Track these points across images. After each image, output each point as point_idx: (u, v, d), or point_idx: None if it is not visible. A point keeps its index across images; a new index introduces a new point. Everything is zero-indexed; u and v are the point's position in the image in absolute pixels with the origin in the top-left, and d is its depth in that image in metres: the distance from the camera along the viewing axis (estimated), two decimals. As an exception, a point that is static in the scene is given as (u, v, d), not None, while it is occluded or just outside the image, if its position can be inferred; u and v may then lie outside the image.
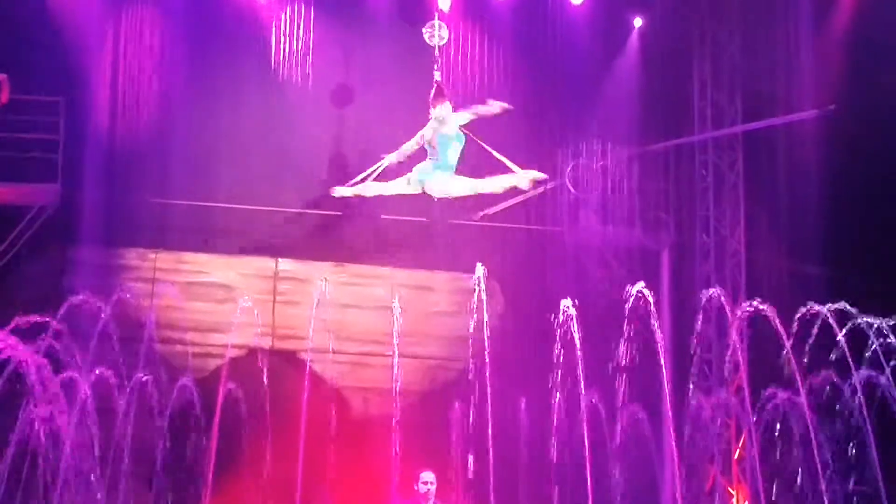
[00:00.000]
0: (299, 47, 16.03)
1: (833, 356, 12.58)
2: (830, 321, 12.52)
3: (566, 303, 13.28)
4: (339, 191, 13.12)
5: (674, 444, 14.86)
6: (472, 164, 13.18)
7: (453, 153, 12.84)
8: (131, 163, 15.78)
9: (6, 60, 14.39)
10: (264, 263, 16.53)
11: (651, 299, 13.27)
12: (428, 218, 16.40)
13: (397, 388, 14.81)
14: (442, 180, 12.82)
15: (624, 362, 14.76)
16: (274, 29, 16.05)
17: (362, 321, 16.40)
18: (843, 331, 12.47)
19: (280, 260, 16.58)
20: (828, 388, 12.77)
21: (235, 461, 13.70)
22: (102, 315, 12.82)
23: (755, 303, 13.12)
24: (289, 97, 16.20)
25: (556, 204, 16.87)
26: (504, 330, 16.53)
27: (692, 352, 16.62)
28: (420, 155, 12.91)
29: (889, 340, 12.43)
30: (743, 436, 16.12)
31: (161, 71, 15.86)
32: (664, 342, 16.56)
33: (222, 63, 16.08)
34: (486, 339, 14.10)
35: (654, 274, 17.06)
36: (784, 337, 12.65)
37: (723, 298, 14.38)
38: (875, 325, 12.44)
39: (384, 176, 13.16)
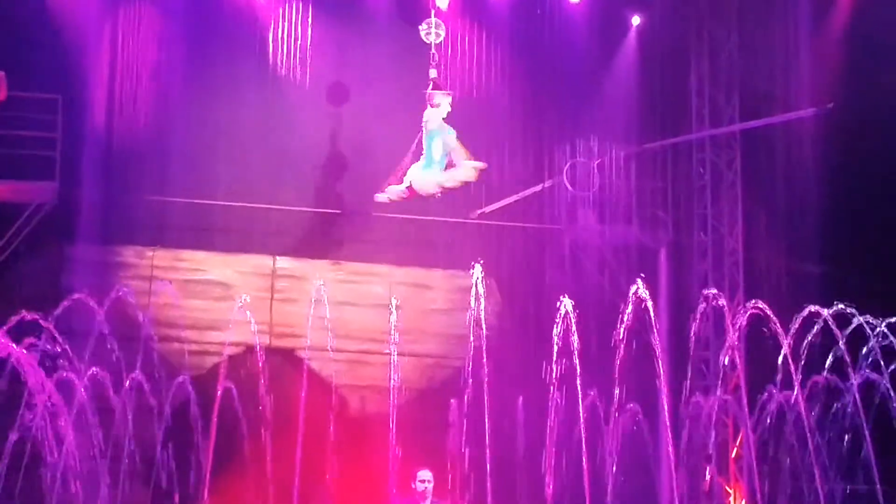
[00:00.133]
0: (297, 46, 16.01)
1: (833, 357, 12.61)
2: (830, 324, 12.53)
3: (565, 302, 13.30)
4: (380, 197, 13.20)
5: (670, 442, 14.90)
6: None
7: (436, 149, 12.86)
8: (129, 161, 15.77)
9: (4, 58, 14.37)
10: (262, 261, 16.53)
11: (649, 302, 13.29)
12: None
13: (395, 386, 14.84)
14: (421, 177, 12.88)
15: (621, 360, 14.75)
16: (272, 27, 16.03)
17: (360, 319, 16.39)
18: (845, 333, 12.49)
19: (278, 258, 16.57)
20: (825, 388, 12.80)
21: (233, 459, 13.69)
22: (100, 314, 12.80)
23: (754, 303, 13.16)
24: (287, 95, 16.20)
25: (553, 202, 16.87)
26: (501, 328, 16.55)
27: (690, 351, 16.65)
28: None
29: (887, 342, 12.45)
30: (740, 434, 16.13)
31: (159, 69, 15.86)
32: (661, 341, 16.62)
33: (220, 61, 16.08)
34: (483, 337, 14.13)
35: (652, 272, 17.05)
36: (782, 336, 12.68)
37: (721, 300, 14.41)
38: (878, 329, 12.45)
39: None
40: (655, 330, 13.88)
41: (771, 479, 13.81)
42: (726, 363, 15.15)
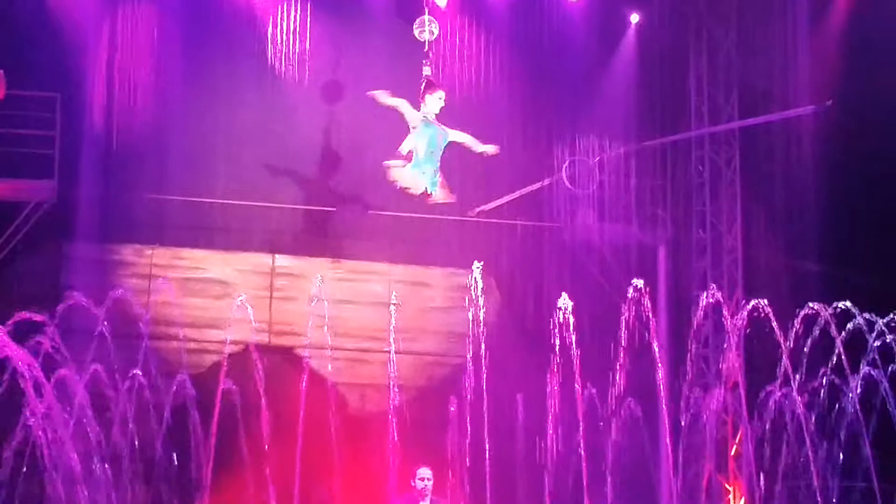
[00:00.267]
0: (296, 44, 16.00)
1: (834, 357, 12.62)
2: (830, 323, 12.54)
3: (563, 301, 13.31)
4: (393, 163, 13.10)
5: (669, 440, 14.91)
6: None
7: (420, 147, 12.87)
8: (128, 159, 15.76)
9: (3, 56, 14.35)
10: (261, 259, 16.53)
11: (647, 301, 13.29)
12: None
13: (394, 384, 14.84)
14: (404, 176, 12.90)
15: (620, 358, 14.76)
16: (270, 26, 16.02)
17: (359, 317, 16.39)
18: (843, 334, 12.50)
19: (277, 256, 16.56)
20: (825, 386, 12.81)
21: (233, 457, 13.69)
22: (98, 315, 12.80)
23: (753, 301, 13.17)
24: (285, 94, 16.18)
25: (552, 200, 16.86)
26: (500, 326, 16.54)
27: (689, 348, 16.66)
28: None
29: (887, 339, 12.46)
30: (739, 432, 16.14)
31: (157, 67, 15.84)
32: (661, 338, 16.63)
33: (219, 60, 16.06)
34: (481, 343, 14.14)
35: (651, 270, 17.07)
36: (781, 337, 12.69)
37: (719, 295, 14.41)
38: (878, 327, 12.46)
39: None
40: (655, 330, 13.91)
41: (770, 477, 13.82)
42: (726, 360, 15.19)
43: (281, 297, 16.37)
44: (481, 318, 14.03)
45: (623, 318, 13.63)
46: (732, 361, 16.09)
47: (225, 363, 14.96)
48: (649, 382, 14.72)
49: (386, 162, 13.03)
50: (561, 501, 14.11)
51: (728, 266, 17.02)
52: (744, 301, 16.47)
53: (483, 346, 14.41)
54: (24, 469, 12.03)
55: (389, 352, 15.11)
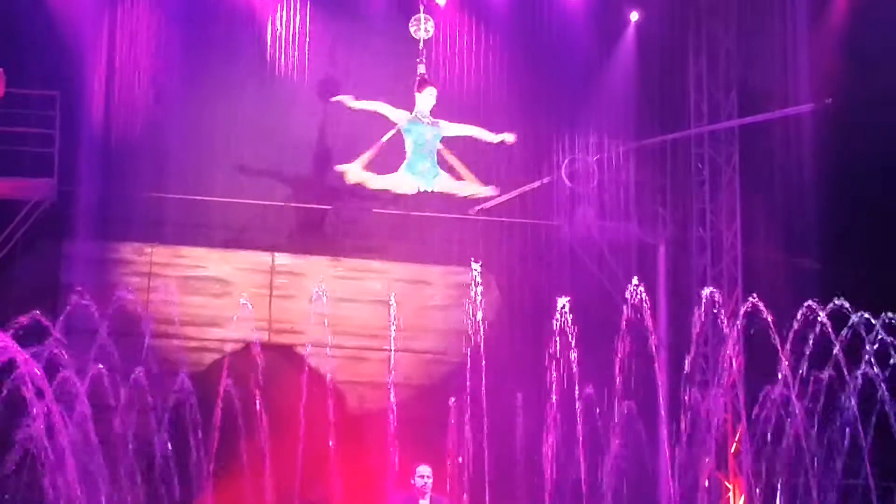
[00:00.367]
0: (295, 43, 15.99)
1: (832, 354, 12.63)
2: (827, 323, 12.56)
3: (562, 301, 13.34)
4: (345, 168, 13.06)
5: (667, 438, 14.91)
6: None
7: (408, 147, 12.89)
8: (127, 157, 15.75)
9: (3, 55, 14.33)
10: (260, 258, 16.52)
11: (646, 303, 13.31)
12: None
13: (393, 382, 14.85)
14: (396, 180, 12.93)
15: (620, 356, 14.77)
16: (269, 23, 16.01)
17: (358, 315, 16.40)
18: (841, 335, 12.52)
19: (276, 254, 16.56)
20: (824, 385, 12.82)
21: (233, 455, 13.70)
22: (99, 315, 12.82)
23: (750, 300, 13.19)
24: (284, 91, 16.18)
25: (552, 198, 16.85)
26: (500, 323, 16.55)
27: (689, 346, 16.66)
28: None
29: (882, 337, 12.48)
30: (739, 430, 16.14)
31: (157, 66, 15.83)
32: (661, 336, 16.64)
33: (218, 58, 16.05)
34: (481, 341, 14.15)
35: (651, 268, 17.08)
36: (779, 340, 12.72)
37: (717, 296, 14.42)
38: (875, 328, 12.48)
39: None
40: (652, 333, 13.93)
41: (769, 475, 13.83)
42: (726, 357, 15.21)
43: (280, 296, 16.37)
44: (479, 319, 14.06)
45: (623, 318, 13.63)
46: (731, 360, 16.12)
47: (227, 361, 15.02)
48: (649, 380, 14.75)
49: (337, 167, 13.06)
50: (561, 499, 14.12)
51: (728, 264, 17.02)
52: (743, 298, 16.58)
53: (482, 349, 14.46)
54: (25, 469, 12.05)
55: (389, 350, 15.13)
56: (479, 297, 14.06)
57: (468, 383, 14.47)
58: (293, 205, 16.48)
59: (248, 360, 15.28)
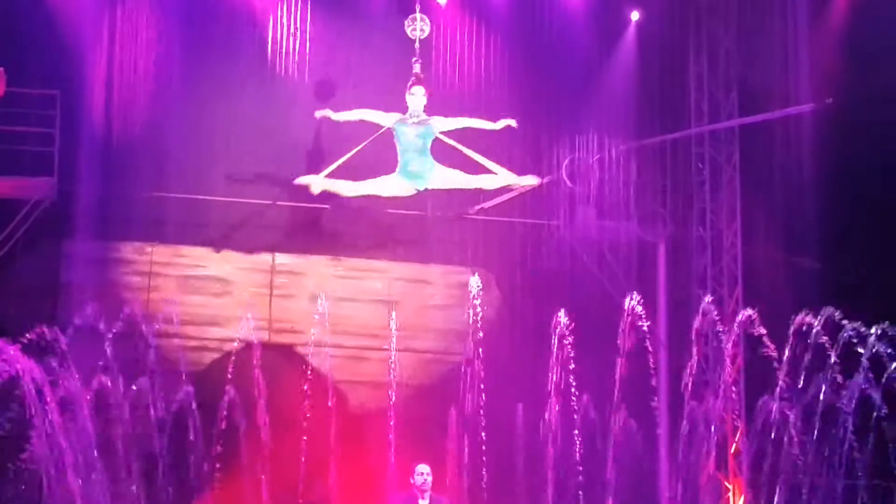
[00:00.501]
0: (295, 42, 15.99)
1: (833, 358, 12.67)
2: (821, 333, 12.61)
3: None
4: (307, 181, 13.05)
5: (667, 438, 14.92)
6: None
7: (398, 149, 12.89)
8: (127, 156, 15.73)
9: (3, 54, 14.34)
10: (261, 257, 16.51)
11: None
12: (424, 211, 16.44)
13: (393, 382, 14.86)
14: (389, 184, 12.93)
15: (620, 356, 14.79)
16: (270, 22, 15.99)
17: (358, 315, 16.40)
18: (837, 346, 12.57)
19: (277, 253, 16.55)
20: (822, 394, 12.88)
21: (233, 455, 13.71)
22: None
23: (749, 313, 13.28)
24: (285, 90, 16.16)
25: (552, 198, 16.85)
26: (500, 323, 16.57)
27: (689, 345, 16.66)
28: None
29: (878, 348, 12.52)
30: (739, 430, 16.14)
31: (157, 65, 15.80)
32: (660, 336, 16.65)
33: (218, 57, 16.04)
34: (479, 349, 14.18)
35: (651, 267, 17.09)
36: (775, 351, 12.79)
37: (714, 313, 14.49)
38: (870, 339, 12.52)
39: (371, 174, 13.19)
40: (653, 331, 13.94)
41: (770, 475, 13.84)
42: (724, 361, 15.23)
43: (281, 295, 16.37)
44: (478, 318, 14.09)
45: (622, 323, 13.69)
46: (730, 363, 16.11)
47: (225, 361, 15.03)
48: (649, 378, 14.76)
49: (297, 180, 13.06)
50: (561, 498, 14.13)
51: (728, 263, 17.02)
52: (742, 298, 16.60)
53: (483, 344, 14.47)
54: (23, 470, 12.08)
55: (389, 349, 15.13)
56: (478, 317, 14.13)
57: (468, 383, 14.50)
58: (294, 204, 16.46)
59: (249, 360, 15.31)
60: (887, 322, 12.52)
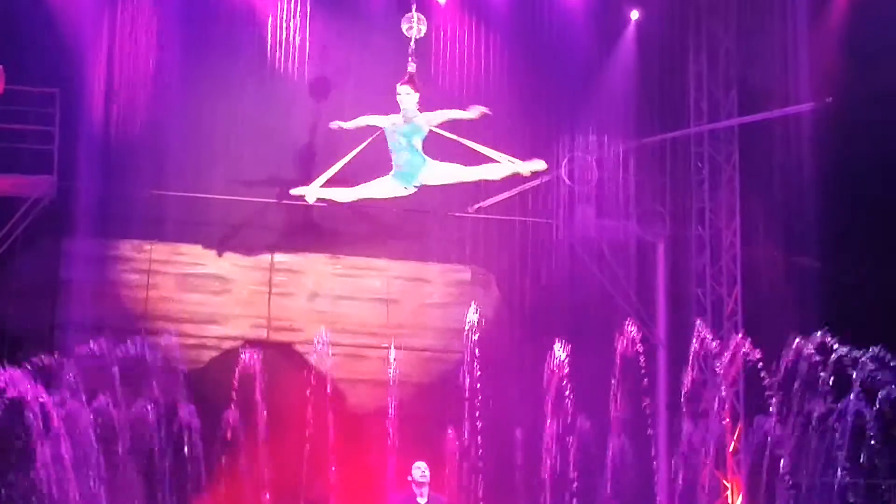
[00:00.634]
0: (295, 41, 15.98)
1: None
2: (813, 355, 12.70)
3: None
4: (302, 191, 13.07)
5: (666, 437, 14.92)
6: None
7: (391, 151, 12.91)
8: (126, 155, 15.73)
9: (2, 52, 14.34)
10: (260, 255, 16.49)
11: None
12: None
13: (392, 380, 14.87)
14: (383, 189, 12.91)
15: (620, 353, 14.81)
16: (270, 21, 15.99)
17: (357, 313, 16.40)
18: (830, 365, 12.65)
19: (275, 251, 16.53)
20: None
21: (232, 454, 13.73)
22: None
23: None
24: (284, 90, 16.17)
25: (551, 196, 16.86)
26: (499, 321, 16.57)
27: (689, 345, 16.66)
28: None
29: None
30: (738, 429, 16.15)
31: (156, 63, 15.81)
32: (660, 335, 16.67)
33: (217, 56, 16.03)
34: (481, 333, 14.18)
35: (650, 266, 17.09)
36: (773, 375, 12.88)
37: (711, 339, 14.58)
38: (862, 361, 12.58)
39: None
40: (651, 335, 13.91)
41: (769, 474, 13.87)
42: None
43: (279, 293, 16.36)
44: (477, 321, 14.11)
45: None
46: (732, 357, 16.11)
47: (223, 359, 15.06)
48: (649, 377, 14.77)
49: (293, 191, 13.06)
50: (560, 497, 14.15)
51: (727, 262, 17.00)
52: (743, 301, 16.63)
53: (482, 343, 14.47)
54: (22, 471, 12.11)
55: (388, 347, 15.13)
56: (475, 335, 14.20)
57: (467, 381, 14.51)
58: (293, 202, 16.43)
59: (247, 359, 15.32)
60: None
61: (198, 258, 16.21)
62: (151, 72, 15.74)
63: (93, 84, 15.47)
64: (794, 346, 12.93)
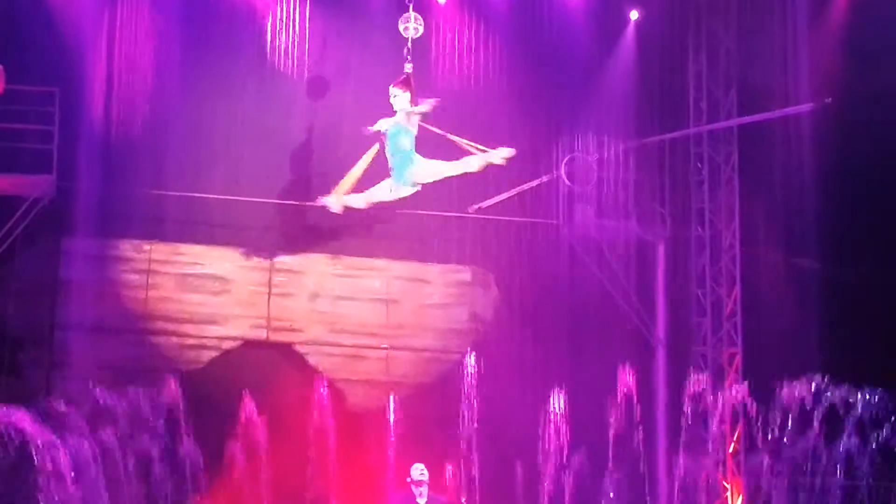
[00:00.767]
0: (295, 40, 15.98)
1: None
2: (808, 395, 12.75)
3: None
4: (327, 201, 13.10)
5: (665, 437, 14.91)
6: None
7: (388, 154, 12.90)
8: (126, 154, 15.71)
9: (2, 52, 14.34)
10: (259, 255, 16.47)
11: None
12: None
13: (392, 380, 14.84)
14: (380, 192, 12.92)
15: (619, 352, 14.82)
16: (270, 20, 15.99)
17: (357, 313, 16.38)
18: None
19: (275, 252, 16.51)
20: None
21: (231, 453, 13.72)
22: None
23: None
24: (284, 89, 16.16)
25: (551, 197, 16.86)
26: (499, 321, 16.57)
27: (688, 344, 16.69)
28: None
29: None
30: (738, 429, 16.15)
31: (156, 62, 15.78)
32: (660, 334, 16.66)
33: (218, 55, 16.00)
34: (481, 333, 14.14)
35: (650, 266, 17.09)
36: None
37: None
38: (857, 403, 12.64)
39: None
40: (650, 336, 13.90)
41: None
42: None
43: (279, 293, 16.33)
44: (476, 321, 14.05)
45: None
46: (731, 357, 16.12)
47: (223, 359, 15.04)
48: (649, 377, 14.78)
49: (321, 200, 13.09)
50: (560, 497, 14.15)
51: (726, 263, 17.01)
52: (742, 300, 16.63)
53: (481, 343, 14.46)
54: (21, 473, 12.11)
55: (387, 348, 15.11)
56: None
57: (467, 382, 14.51)
58: (293, 203, 16.44)
59: (247, 358, 15.33)
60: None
61: (198, 258, 16.17)
62: (151, 71, 15.72)
63: (93, 83, 15.44)
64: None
